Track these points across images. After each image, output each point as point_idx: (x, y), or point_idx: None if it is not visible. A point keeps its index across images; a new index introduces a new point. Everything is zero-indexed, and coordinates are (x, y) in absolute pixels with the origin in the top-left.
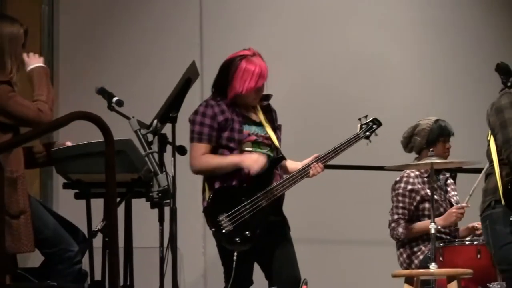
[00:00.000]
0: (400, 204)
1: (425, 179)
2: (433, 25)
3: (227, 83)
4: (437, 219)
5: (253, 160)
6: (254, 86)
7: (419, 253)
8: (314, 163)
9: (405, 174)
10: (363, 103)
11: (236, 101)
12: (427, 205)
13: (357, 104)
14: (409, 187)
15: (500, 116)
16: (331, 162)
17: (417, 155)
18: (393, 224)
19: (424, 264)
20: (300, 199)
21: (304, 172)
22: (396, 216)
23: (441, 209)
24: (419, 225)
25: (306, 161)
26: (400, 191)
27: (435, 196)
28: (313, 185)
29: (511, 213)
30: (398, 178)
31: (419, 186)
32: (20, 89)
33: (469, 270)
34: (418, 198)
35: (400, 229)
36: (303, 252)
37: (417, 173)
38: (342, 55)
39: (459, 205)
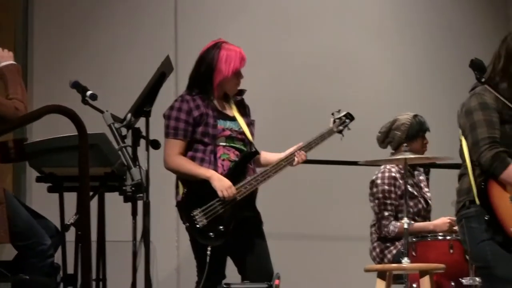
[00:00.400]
0: (388, 201)
1: (403, 174)
2: (406, 22)
3: (210, 72)
4: (427, 224)
5: (223, 186)
6: (239, 66)
7: (392, 247)
8: (298, 151)
9: (386, 170)
10: (336, 99)
11: (217, 92)
12: (408, 202)
13: (331, 100)
14: (393, 182)
15: (470, 118)
16: None
17: (393, 151)
18: (383, 221)
19: (397, 259)
20: (273, 194)
21: (287, 161)
22: (386, 213)
23: (420, 206)
24: (416, 226)
25: (291, 150)
26: (386, 187)
27: (415, 193)
28: (286, 180)
29: (486, 212)
30: (379, 174)
31: (401, 181)
32: None
33: (442, 265)
34: (399, 193)
35: (391, 227)
36: (276, 246)
37: (397, 168)
38: (316, 52)
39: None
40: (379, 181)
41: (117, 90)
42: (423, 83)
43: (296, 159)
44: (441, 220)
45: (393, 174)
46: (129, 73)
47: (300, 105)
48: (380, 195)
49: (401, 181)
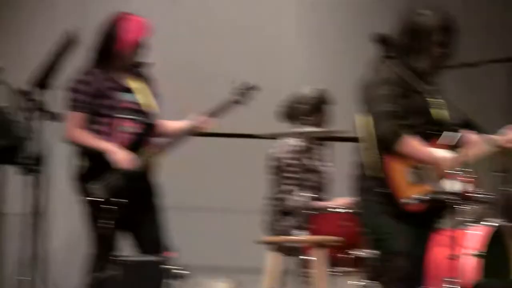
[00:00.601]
0: (289, 174)
1: (305, 148)
2: None
3: (112, 44)
4: (328, 204)
5: (123, 159)
6: (140, 37)
7: (287, 220)
8: (203, 118)
9: (288, 143)
10: (239, 70)
11: (118, 63)
12: (309, 175)
13: (233, 71)
14: (295, 155)
15: (370, 92)
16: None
17: (295, 124)
18: (284, 195)
19: (291, 231)
20: (172, 166)
21: (188, 131)
22: (287, 187)
23: (320, 180)
24: (317, 205)
25: (192, 120)
26: (288, 160)
27: (316, 166)
28: (186, 153)
29: (383, 185)
30: (281, 148)
31: (302, 155)
32: None
33: (336, 238)
34: (300, 166)
35: (292, 201)
36: (175, 219)
37: (298, 142)
38: (219, 22)
39: None
40: (280, 155)
41: (20, 63)
42: (326, 56)
43: (202, 126)
44: (342, 201)
45: (295, 148)
46: (36, 47)
47: (203, 76)
48: (282, 168)
49: (302, 155)
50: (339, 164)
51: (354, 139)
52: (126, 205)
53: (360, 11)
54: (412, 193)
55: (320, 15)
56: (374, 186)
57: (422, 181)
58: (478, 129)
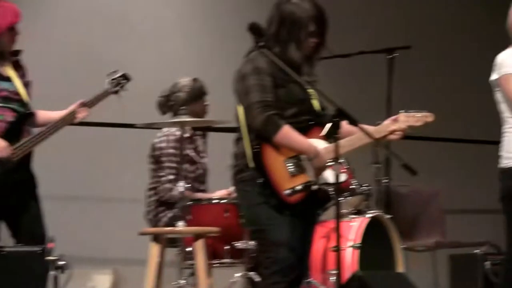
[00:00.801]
0: (173, 165)
1: (185, 138)
2: None
3: None
4: (208, 195)
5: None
6: (13, 21)
7: (167, 211)
8: (79, 109)
9: (170, 133)
10: (115, 60)
11: None
12: (188, 166)
13: (109, 61)
14: (175, 145)
15: (244, 83)
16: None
17: (173, 114)
18: (167, 185)
19: (172, 222)
20: (48, 155)
21: (64, 121)
22: (171, 177)
23: (198, 171)
24: (197, 196)
25: (68, 109)
26: (170, 150)
27: (195, 158)
28: (63, 142)
29: (260, 176)
30: (163, 137)
31: (182, 145)
32: None
33: (216, 229)
34: (181, 157)
35: (174, 191)
36: (52, 209)
37: (179, 132)
38: (96, 12)
39: None
40: (163, 144)
41: None
42: (204, 46)
43: (78, 115)
44: (220, 193)
45: (175, 138)
46: None
47: (79, 66)
48: (164, 159)
49: (183, 145)
50: (219, 155)
51: (233, 130)
52: (3, 195)
53: (239, 1)
54: (291, 184)
55: (201, 5)
56: (253, 177)
57: (301, 172)
58: (353, 120)
